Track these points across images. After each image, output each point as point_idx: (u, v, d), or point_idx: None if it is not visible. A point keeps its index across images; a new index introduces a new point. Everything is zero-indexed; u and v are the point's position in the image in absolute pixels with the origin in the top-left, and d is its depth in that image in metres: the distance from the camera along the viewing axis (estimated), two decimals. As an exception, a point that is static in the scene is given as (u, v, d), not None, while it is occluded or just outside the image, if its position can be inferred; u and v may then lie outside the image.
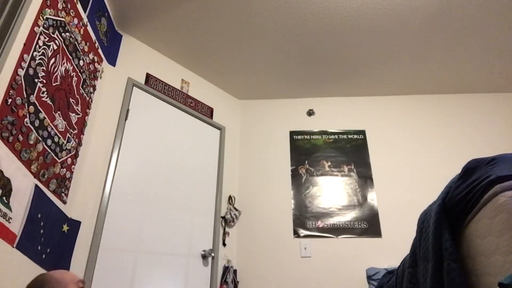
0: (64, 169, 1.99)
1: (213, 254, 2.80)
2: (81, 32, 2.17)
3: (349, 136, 3.50)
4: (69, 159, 2.05)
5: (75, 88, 2.12)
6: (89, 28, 2.29)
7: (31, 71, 1.62)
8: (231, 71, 3.36)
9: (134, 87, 2.81)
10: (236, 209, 3.16)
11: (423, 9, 2.62)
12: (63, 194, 1.98)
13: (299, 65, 3.25)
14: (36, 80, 1.66)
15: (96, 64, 2.43)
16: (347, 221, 3.10)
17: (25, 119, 1.58)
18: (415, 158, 3.33)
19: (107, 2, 2.59)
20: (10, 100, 1.46)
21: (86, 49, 2.25)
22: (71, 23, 2.02)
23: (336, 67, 3.27)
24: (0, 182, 1.39)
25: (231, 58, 3.18)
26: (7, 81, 1.45)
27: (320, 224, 3.10)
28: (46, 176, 1.78)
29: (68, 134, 2.02)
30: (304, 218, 3.14)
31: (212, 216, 3.00)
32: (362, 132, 3.51)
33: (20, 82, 1.53)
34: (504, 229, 0.96)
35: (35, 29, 1.64)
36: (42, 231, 1.73)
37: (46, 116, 1.77)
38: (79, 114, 2.18)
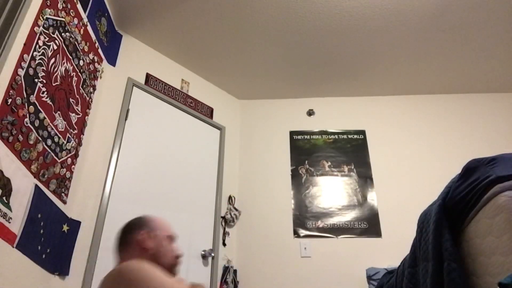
0: (64, 169, 1.99)
1: (213, 254, 2.80)
2: (81, 32, 2.17)
3: (349, 136, 3.50)
4: (69, 159, 2.05)
5: (75, 88, 2.12)
6: (89, 28, 2.29)
7: (31, 71, 1.62)
8: (231, 71, 3.36)
9: (134, 87, 2.81)
10: (236, 209, 3.16)
11: (423, 9, 2.62)
12: (63, 194, 1.98)
13: (299, 65, 3.25)
14: (36, 80, 1.66)
15: (96, 64, 2.43)
16: (347, 221, 3.10)
17: (25, 119, 1.58)
18: (415, 158, 3.33)
19: (107, 2, 2.58)
20: (10, 100, 1.46)
21: (86, 49, 2.25)
22: (71, 23, 2.02)
23: (336, 67, 3.27)
24: (0, 182, 1.39)
25: (231, 58, 3.18)
26: (7, 81, 1.45)
27: (320, 224, 3.10)
28: (46, 176, 1.78)
29: (68, 134, 2.02)
30: (304, 218, 3.14)
31: (212, 216, 3.00)
32: (362, 132, 3.50)
33: (20, 82, 1.53)
34: (504, 229, 0.96)
35: (35, 29, 1.64)
36: (42, 231, 1.73)
37: (46, 116, 1.77)
38: (79, 114, 2.18)
